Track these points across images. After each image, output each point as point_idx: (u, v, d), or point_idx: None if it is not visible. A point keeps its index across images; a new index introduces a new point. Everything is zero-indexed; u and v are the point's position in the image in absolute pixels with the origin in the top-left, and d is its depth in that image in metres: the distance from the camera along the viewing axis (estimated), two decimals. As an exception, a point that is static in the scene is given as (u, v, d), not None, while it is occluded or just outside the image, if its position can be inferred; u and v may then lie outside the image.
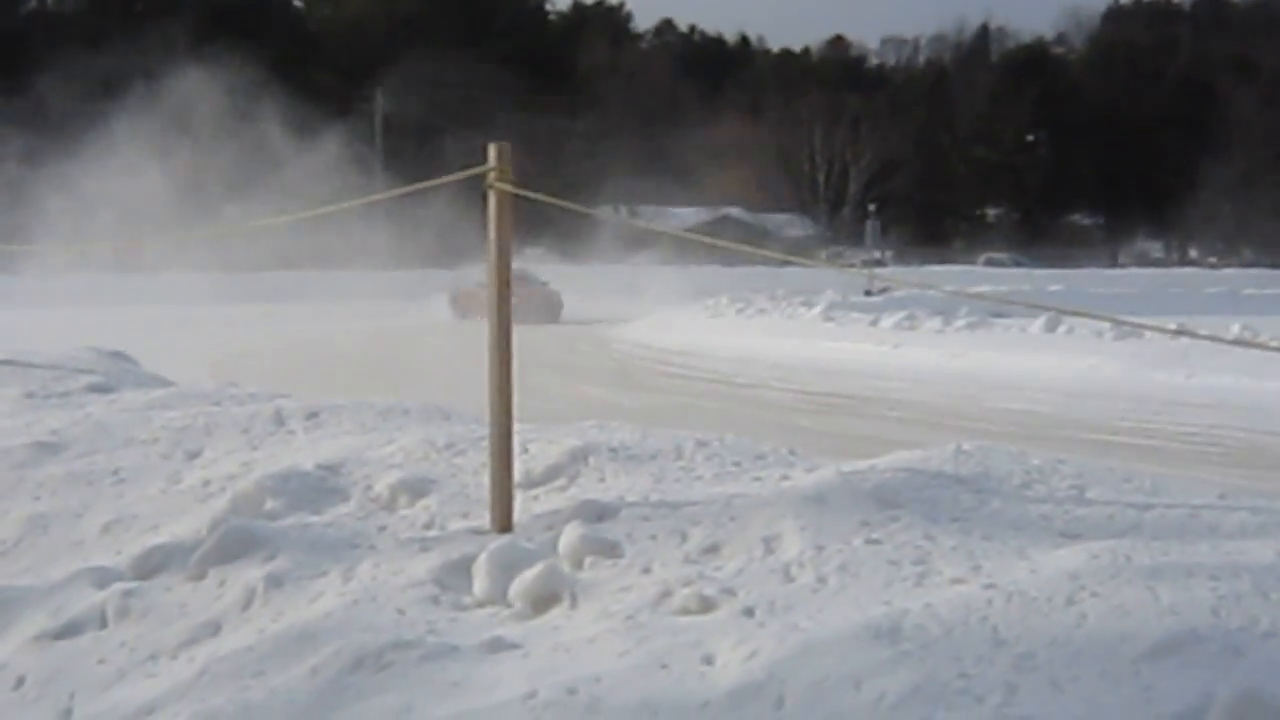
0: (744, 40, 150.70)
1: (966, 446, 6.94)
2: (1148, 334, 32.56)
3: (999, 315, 41.55)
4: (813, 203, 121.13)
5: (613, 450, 7.41)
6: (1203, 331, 26.10)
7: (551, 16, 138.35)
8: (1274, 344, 21.98)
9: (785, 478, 6.78)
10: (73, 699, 5.76)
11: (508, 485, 6.58)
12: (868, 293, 61.13)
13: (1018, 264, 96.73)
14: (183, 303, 59.05)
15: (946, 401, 26.90)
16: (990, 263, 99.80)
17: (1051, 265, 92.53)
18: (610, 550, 6.00)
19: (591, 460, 7.30)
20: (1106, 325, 34.14)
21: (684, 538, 6.00)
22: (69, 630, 6.29)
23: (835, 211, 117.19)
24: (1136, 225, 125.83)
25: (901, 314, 41.46)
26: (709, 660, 4.75)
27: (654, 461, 7.29)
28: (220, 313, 54.92)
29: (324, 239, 70.03)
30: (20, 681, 6.02)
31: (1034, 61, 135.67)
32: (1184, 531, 5.76)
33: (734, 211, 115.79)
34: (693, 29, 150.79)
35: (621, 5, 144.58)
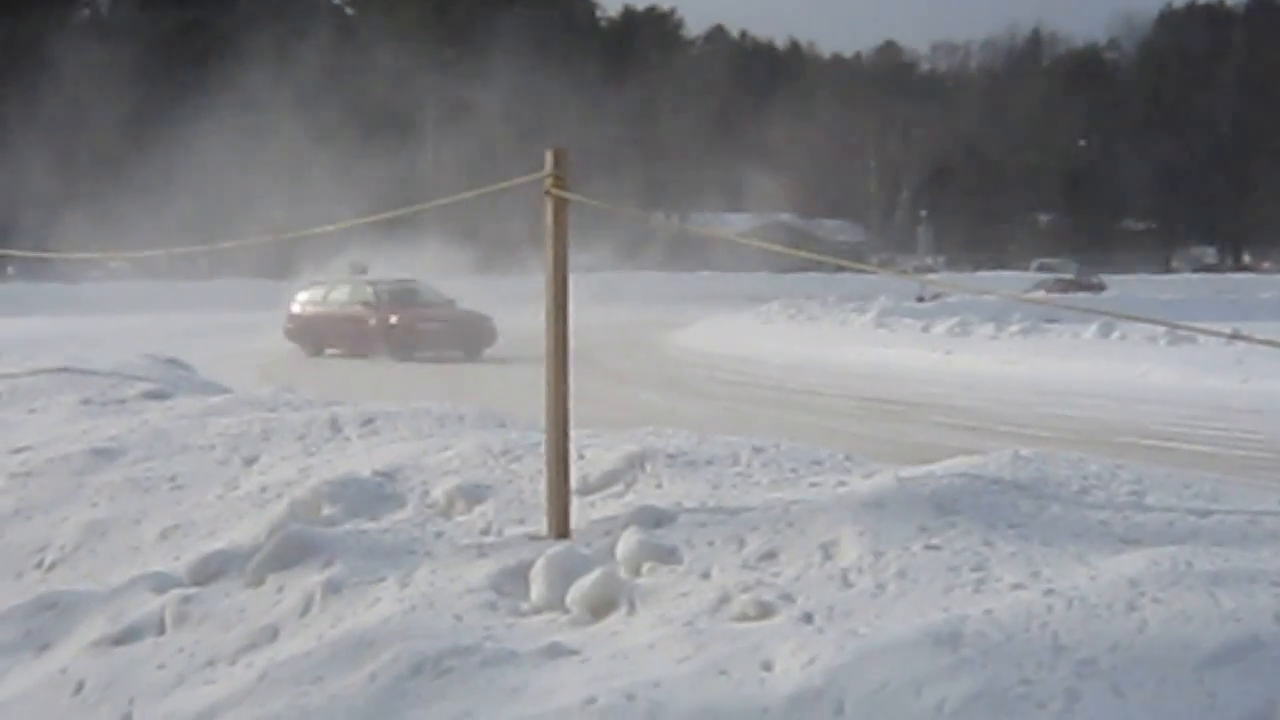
0: (795, 46, 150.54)
1: (1024, 452, 6.91)
2: (1202, 340, 32.47)
3: (1052, 321, 41.42)
4: (864, 209, 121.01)
5: (669, 456, 7.40)
6: (1259, 337, 25.95)
7: (603, 23, 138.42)
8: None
9: (842, 484, 6.77)
10: (132, 704, 5.80)
11: (564, 491, 6.58)
12: (919, 299, 61.07)
13: (1070, 270, 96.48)
14: (227, 309, 59.18)
15: (1000, 408, 26.81)
16: (1043, 268, 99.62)
17: (1104, 271, 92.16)
18: (668, 556, 5.98)
19: (648, 466, 7.29)
20: (1160, 331, 34.02)
21: (742, 544, 5.99)
22: (128, 636, 6.33)
23: (887, 218, 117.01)
24: (1189, 231, 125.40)
25: (954, 320, 41.39)
26: (768, 666, 4.75)
27: (711, 467, 7.27)
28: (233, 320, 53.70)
29: (376, 247, 70.13)
30: (80, 687, 6.06)
31: (1086, 67, 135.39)
32: (1245, 538, 5.72)
33: (785, 218, 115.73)
34: (744, 35, 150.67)
35: (673, 11, 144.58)
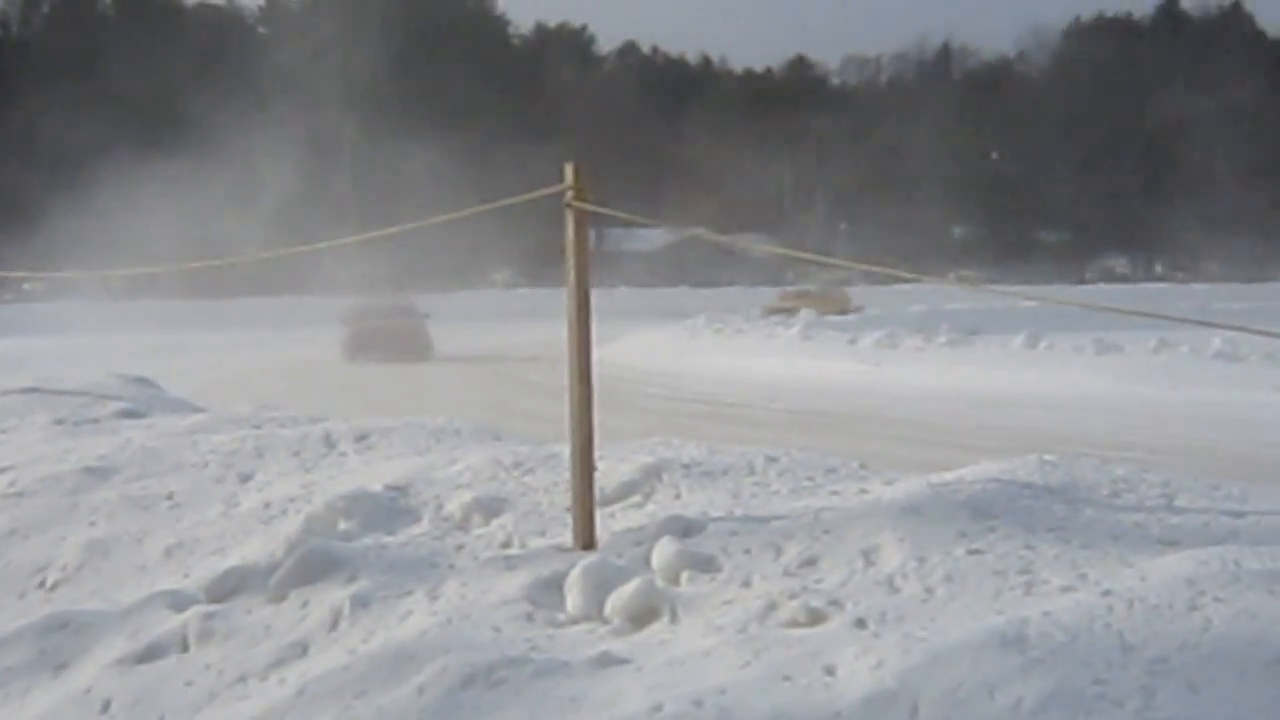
0: (706, 61, 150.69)
1: (1049, 457, 7.00)
2: (1129, 349, 32.77)
3: (975, 332, 41.72)
4: (778, 222, 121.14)
5: (685, 467, 7.45)
6: (1183, 348, 26.31)
7: (515, 40, 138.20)
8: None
9: (864, 491, 6.83)
10: (163, 722, 5.77)
11: (589, 502, 6.59)
12: (842, 312, 61.39)
13: (992, 282, 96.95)
14: (153, 330, 58.51)
15: (936, 418, 26.92)
16: (961, 280, 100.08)
17: (1020, 282, 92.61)
18: (706, 565, 6.02)
19: (665, 477, 7.33)
20: (1088, 341, 34.29)
21: (779, 551, 6.03)
22: (151, 654, 6.30)
23: (802, 231, 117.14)
24: (1103, 241, 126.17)
25: (881, 332, 41.55)
26: (830, 671, 4.78)
27: (727, 477, 7.32)
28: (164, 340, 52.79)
29: (299, 265, 69.71)
30: (106, 706, 6.02)
31: (997, 79, 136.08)
32: (1281, 538, 5.81)
33: (700, 231, 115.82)
34: (655, 50, 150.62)
35: (584, 28, 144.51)
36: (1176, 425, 24.90)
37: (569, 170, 6.62)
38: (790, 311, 59.00)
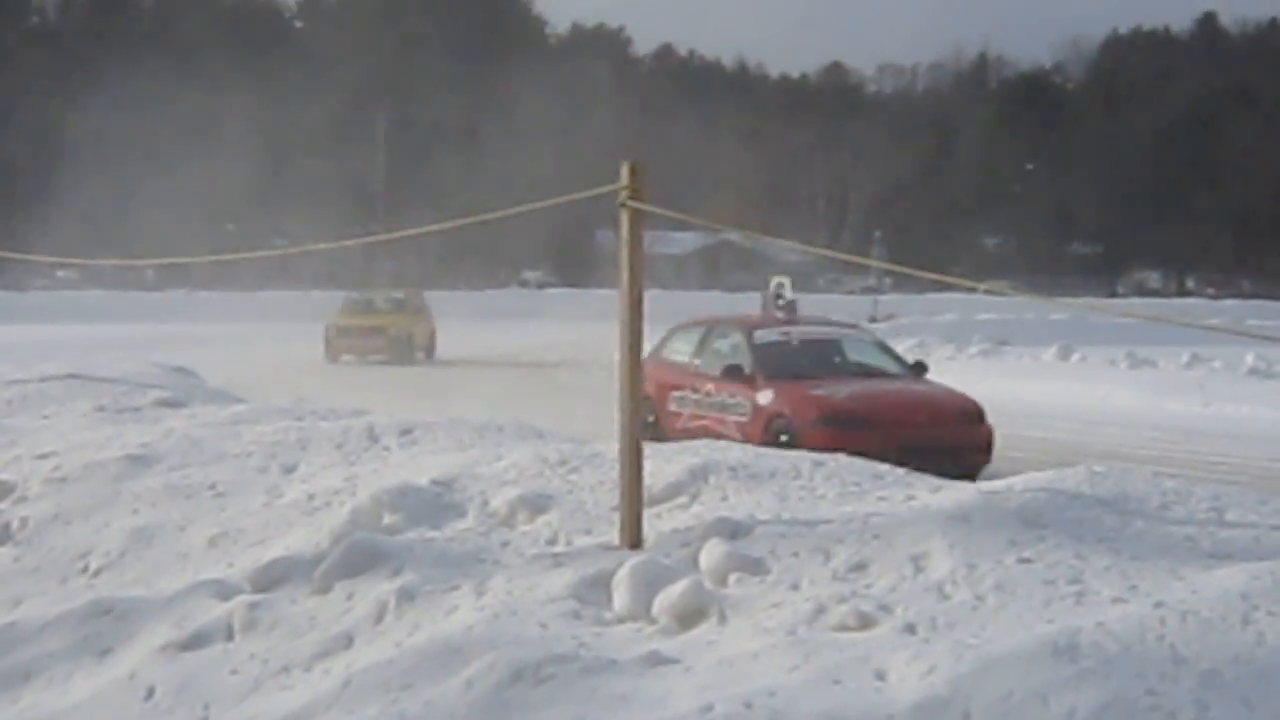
0: (742, 65, 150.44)
1: (1098, 468, 6.99)
2: (1162, 363, 32.66)
3: (1006, 343, 41.63)
4: (811, 229, 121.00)
5: (731, 469, 7.44)
6: (1216, 363, 26.06)
7: (551, 40, 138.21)
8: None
9: (911, 497, 6.82)
10: (208, 710, 5.79)
11: (638, 501, 6.59)
12: (872, 319, 61.24)
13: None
14: (186, 321, 58.56)
15: (968, 429, 26.80)
16: (992, 291, 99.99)
17: (1051, 294, 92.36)
18: (755, 567, 6.03)
19: (711, 479, 7.32)
20: (1120, 354, 34.20)
21: (828, 555, 6.04)
22: (196, 642, 6.32)
23: (834, 238, 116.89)
24: (1134, 255, 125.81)
25: (913, 341, 41.48)
26: (881, 676, 4.78)
27: (774, 480, 7.31)
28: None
29: (326, 259, 69.76)
30: (151, 692, 6.04)
31: (1033, 91, 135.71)
32: (1334, 553, 5.80)
33: (732, 237, 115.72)
34: (692, 54, 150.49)
35: (621, 29, 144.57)
36: (1210, 442, 24.77)
37: (625, 169, 6.60)
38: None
